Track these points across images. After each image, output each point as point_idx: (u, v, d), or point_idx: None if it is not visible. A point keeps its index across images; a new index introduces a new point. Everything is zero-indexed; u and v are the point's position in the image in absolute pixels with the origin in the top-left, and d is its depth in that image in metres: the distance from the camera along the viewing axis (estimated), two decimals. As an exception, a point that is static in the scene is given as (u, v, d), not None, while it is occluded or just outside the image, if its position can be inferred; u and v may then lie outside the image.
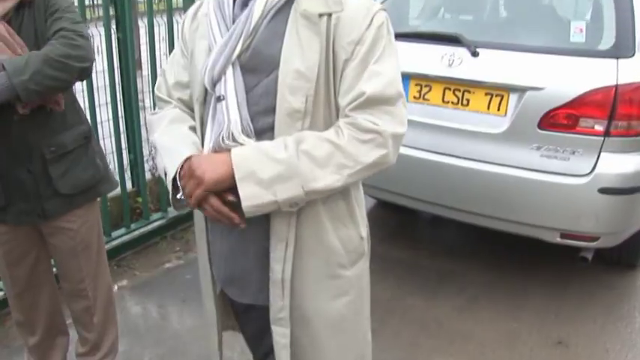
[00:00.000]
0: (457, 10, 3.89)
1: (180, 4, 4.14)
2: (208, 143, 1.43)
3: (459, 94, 3.16)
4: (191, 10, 1.59)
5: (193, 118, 1.54)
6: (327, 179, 1.32)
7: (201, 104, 1.51)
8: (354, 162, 1.32)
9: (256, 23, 1.38)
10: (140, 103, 3.91)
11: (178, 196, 1.44)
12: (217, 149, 1.40)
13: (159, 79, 1.68)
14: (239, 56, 1.41)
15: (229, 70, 1.41)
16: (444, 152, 3.22)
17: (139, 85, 3.80)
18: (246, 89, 1.41)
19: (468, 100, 3.14)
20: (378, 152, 1.33)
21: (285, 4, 1.39)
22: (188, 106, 1.59)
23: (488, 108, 3.08)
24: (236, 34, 1.40)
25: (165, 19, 3.86)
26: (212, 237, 1.61)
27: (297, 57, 1.35)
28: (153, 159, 4.15)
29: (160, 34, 3.77)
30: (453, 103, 3.18)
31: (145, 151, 4.02)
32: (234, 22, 1.42)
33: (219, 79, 1.43)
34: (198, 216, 1.62)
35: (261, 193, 1.30)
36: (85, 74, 2.07)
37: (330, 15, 1.36)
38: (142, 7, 3.61)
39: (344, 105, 1.36)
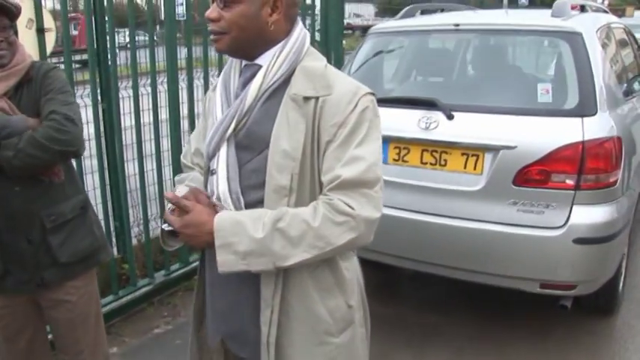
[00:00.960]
0: (429, 73, 4.08)
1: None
2: None
3: (437, 155, 3.29)
4: (213, 84, 1.70)
5: None
6: (297, 257, 1.40)
7: (205, 173, 1.62)
8: (325, 243, 1.39)
9: (250, 104, 1.48)
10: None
11: (165, 227, 1.55)
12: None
13: (185, 146, 1.81)
14: (235, 133, 1.50)
15: (224, 147, 1.52)
16: (423, 211, 3.32)
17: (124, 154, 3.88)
18: (239, 164, 1.51)
19: (445, 161, 3.27)
20: (350, 235, 1.40)
21: (279, 88, 1.48)
22: None
23: (465, 167, 3.22)
24: (231, 113, 1.50)
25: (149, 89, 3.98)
26: (211, 294, 1.69)
27: (285, 138, 1.44)
28: (138, 225, 4.21)
29: (144, 103, 3.87)
30: (431, 163, 3.31)
31: (131, 218, 4.07)
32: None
33: (214, 155, 1.54)
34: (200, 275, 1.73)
35: (235, 261, 1.41)
36: (72, 156, 2.17)
37: (317, 98, 1.44)
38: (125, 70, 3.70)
39: (324, 184, 1.44)
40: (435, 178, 3.30)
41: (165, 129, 3.96)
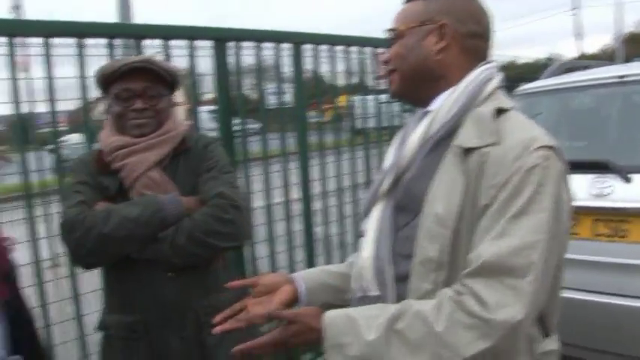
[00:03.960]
0: (593, 132, 3.63)
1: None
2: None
3: (614, 225, 2.84)
4: None
5: None
6: None
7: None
8: (451, 353, 1.09)
9: (410, 158, 1.26)
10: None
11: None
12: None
13: None
14: (395, 192, 1.29)
15: (379, 205, 1.32)
16: (596, 290, 2.87)
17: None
18: (395, 228, 1.28)
19: (624, 231, 2.81)
20: (481, 344, 1.07)
21: (445, 138, 1.23)
22: None
23: (652, 238, 2.72)
24: (389, 168, 1.30)
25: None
26: None
27: (440, 199, 1.18)
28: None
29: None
30: (606, 235, 2.87)
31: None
32: None
33: (367, 214, 1.35)
34: None
35: None
36: (234, 249, 1.97)
37: (480, 150, 1.16)
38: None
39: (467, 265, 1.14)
40: (613, 251, 2.82)
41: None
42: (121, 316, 1.94)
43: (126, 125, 1.92)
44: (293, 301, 1.46)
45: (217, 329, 1.37)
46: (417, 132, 1.27)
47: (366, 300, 1.29)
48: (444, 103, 1.26)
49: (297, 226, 3.45)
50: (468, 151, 1.18)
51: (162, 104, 1.96)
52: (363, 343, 1.13)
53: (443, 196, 1.18)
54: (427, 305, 1.13)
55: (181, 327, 1.90)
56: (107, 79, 1.91)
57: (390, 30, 1.35)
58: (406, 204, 1.26)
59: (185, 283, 1.89)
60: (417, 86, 1.32)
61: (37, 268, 2.40)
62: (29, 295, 2.03)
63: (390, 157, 1.36)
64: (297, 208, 3.47)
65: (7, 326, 1.50)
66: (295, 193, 3.46)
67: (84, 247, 1.81)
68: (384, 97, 3.98)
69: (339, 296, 1.49)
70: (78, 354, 2.60)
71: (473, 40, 1.30)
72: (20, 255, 1.96)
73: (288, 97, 3.58)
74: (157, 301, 1.89)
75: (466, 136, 1.20)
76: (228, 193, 1.87)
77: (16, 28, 2.31)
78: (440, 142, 1.24)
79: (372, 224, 1.32)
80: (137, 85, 1.89)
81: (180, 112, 2.24)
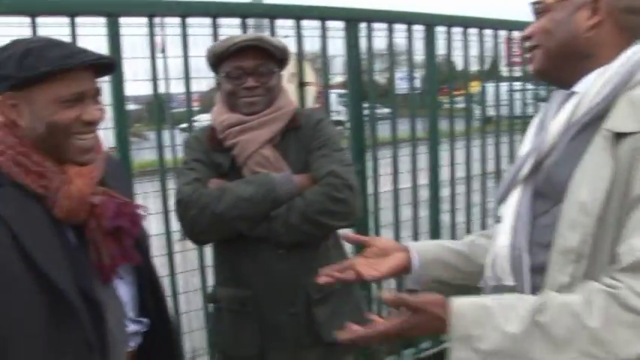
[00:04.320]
0: None
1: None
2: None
3: None
4: None
5: None
6: None
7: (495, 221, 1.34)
8: (605, 353, 0.97)
9: (553, 141, 1.17)
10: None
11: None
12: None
13: None
14: (535, 177, 1.20)
15: (517, 190, 1.22)
16: None
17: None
18: (533, 215, 1.19)
19: None
20: None
21: (593, 122, 1.12)
22: None
23: None
24: (529, 151, 1.21)
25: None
26: None
27: (585, 185, 1.08)
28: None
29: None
30: None
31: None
32: None
33: (503, 199, 1.26)
34: None
35: None
36: (345, 227, 1.95)
37: (636, 135, 1.05)
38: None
39: (616, 259, 1.03)
40: None
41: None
42: (232, 290, 1.97)
43: (237, 103, 1.93)
44: (403, 269, 1.43)
45: (321, 279, 1.37)
46: (560, 115, 1.18)
47: (499, 289, 1.21)
48: (594, 84, 1.14)
49: (423, 212, 3.38)
50: (619, 136, 1.07)
51: (273, 82, 1.95)
52: (501, 335, 1.04)
53: (588, 182, 1.08)
54: (572, 298, 1.03)
55: (291, 303, 1.91)
56: (218, 58, 1.93)
57: (536, 2, 1.25)
58: (547, 190, 1.17)
59: (295, 260, 1.90)
60: (561, 65, 1.23)
61: (167, 240, 2.51)
62: (159, 265, 2.11)
63: (528, 141, 1.27)
64: (423, 194, 3.41)
65: (137, 291, 1.55)
66: (422, 179, 3.39)
67: (198, 225, 1.85)
68: (517, 84, 3.80)
69: (453, 274, 1.44)
70: (198, 324, 2.70)
71: (630, 15, 1.17)
72: (152, 226, 2.03)
73: (418, 82, 3.49)
74: (267, 278, 1.90)
75: (619, 120, 1.09)
76: (340, 171, 1.85)
77: (156, 8, 2.40)
78: (586, 127, 1.13)
79: (509, 211, 1.23)
80: (248, 63, 1.90)
81: (289, 90, 2.25)
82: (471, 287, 1.42)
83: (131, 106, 4.31)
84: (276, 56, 1.95)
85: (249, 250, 1.91)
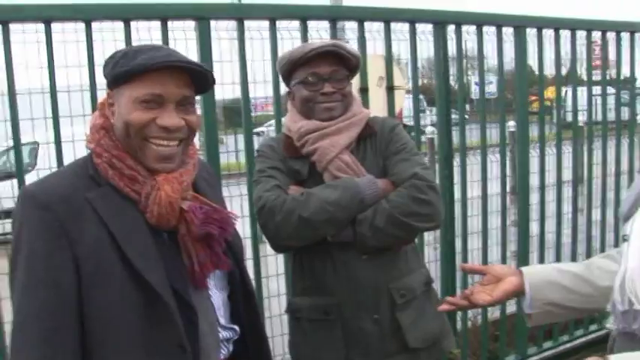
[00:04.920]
0: None
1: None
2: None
3: None
4: None
5: None
6: None
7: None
8: None
9: None
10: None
11: None
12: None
13: None
14: None
15: None
16: None
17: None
18: None
19: None
20: None
21: None
22: None
23: None
24: None
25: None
26: None
27: None
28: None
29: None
30: None
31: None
32: None
33: (629, 217, 1.21)
34: None
35: None
36: (431, 230, 1.94)
37: None
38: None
39: None
40: None
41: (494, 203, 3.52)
42: (313, 299, 1.95)
43: (314, 109, 1.93)
44: (517, 293, 1.45)
45: (443, 307, 1.46)
46: None
47: (630, 314, 1.13)
48: None
49: (511, 219, 3.26)
50: None
51: (348, 88, 1.96)
52: None
53: None
54: None
55: (375, 309, 1.89)
56: (294, 65, 1.93)
57: None
58: None
59: (378, 265, 1.88)
60: None
61: (253, 243, 2.50)
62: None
63: None
64: (508, 201, 3.28)
65: (228, 297, 1.53)
66: (506, 186, 3.27)
67: (284, 230, 1.84)
68: (598, 88, 3.63)
69: (569, 297, 1.41)
70: (280, 330, 2.68)
71: None
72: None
73: (495, 87, 3.39)
74: (351, 284, 1.88)
75: None
76: (422, 174, 1.83)
77: (244, 12, 2.41)
78: None
79: (635, 229, 1.16)
80: (325, 69, 1.90)
81: (378, 94, 2.21)
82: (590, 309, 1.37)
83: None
84: (351, 63, 1.95)
85: (331, 256, 1.90)
